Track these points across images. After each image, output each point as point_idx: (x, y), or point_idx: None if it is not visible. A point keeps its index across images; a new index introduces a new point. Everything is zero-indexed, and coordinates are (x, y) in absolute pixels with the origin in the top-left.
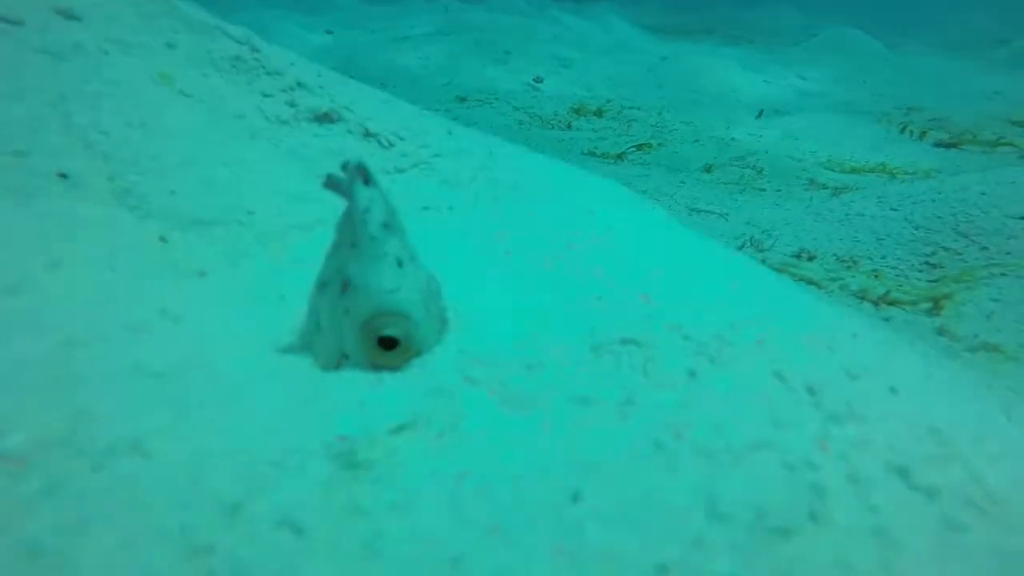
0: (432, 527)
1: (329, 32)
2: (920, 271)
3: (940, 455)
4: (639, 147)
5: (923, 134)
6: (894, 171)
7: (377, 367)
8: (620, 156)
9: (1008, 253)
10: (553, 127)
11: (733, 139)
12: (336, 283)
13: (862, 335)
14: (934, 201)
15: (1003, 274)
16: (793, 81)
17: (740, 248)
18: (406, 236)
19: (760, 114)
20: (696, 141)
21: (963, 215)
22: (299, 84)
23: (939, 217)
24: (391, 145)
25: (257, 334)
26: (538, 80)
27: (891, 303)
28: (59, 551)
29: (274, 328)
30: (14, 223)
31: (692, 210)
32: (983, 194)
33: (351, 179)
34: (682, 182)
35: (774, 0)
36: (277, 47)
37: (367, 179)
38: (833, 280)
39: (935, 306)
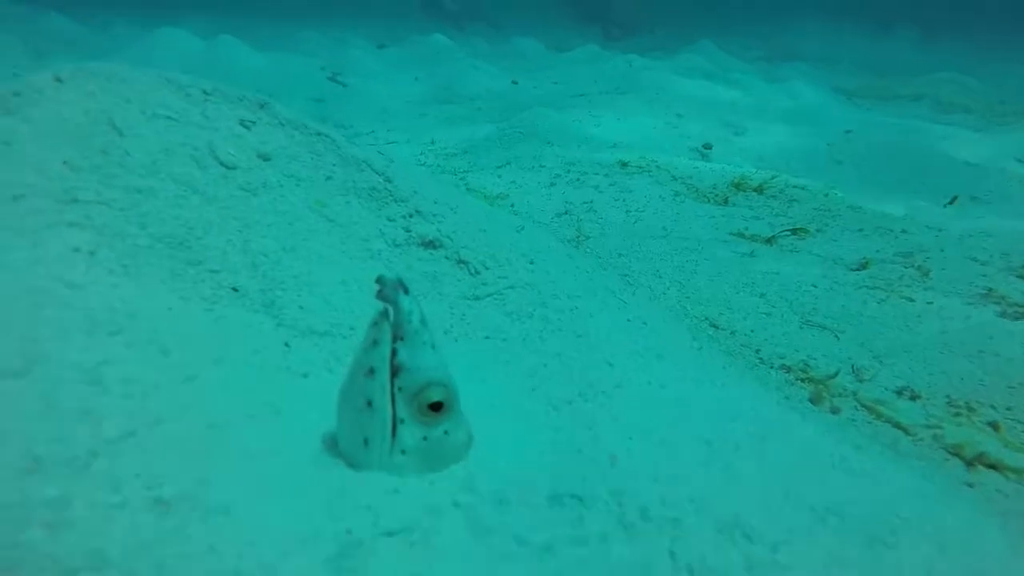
0: None
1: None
2: None
3: None
4: (794, 231)
5: None
6: None
7: (427, 424)
8: (771, 240)
9: None
10: (709, 201)
11: (904, 231)
12: (384, 370)
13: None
14: None
15: None
16: (1007, 164)
17: (834, 375)
18: (431, 327)
19: (953, 200)
20: (860, 230)
21: None
22: (417, 212)
23: None
24: (477, 273)
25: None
26: (707, 147)
27: (991, 467)
28: None
29: None
30: (201, 324)
31: (805, 323)
32: None
33: (394, 291)
34: (814, 285)
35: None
36: (403, 171)
37: (406, 290)
38: (929, 428)
39: None
